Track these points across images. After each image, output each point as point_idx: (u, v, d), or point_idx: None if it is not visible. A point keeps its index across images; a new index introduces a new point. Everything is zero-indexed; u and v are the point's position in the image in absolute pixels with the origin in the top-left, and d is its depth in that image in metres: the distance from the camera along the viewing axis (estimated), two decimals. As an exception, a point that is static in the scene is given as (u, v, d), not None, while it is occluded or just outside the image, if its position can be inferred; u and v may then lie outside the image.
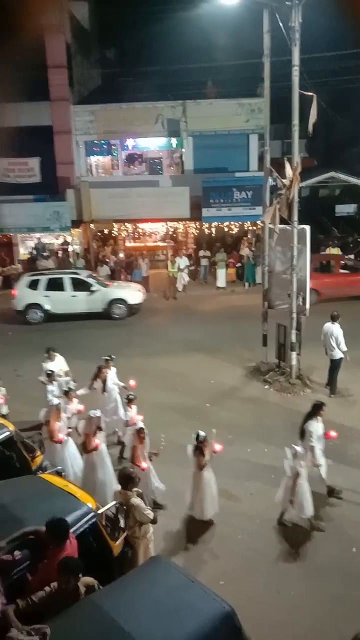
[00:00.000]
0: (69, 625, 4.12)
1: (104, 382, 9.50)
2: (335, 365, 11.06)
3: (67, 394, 8.84)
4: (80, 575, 4.47)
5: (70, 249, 22.23)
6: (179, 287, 20.68)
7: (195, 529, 7.23)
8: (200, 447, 7.11)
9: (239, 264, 21.82)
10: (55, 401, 8.46)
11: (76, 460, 8.14)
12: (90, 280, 17.75)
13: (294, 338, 11.35)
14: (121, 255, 22.92)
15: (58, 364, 10.31)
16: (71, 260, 21.89)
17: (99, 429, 7.79)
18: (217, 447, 7.24)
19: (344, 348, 10.84)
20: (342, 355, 10.89)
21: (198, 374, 12.49)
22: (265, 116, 12.43)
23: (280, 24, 10.58)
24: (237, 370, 12.62)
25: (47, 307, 17.41)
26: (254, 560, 6.68)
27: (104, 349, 13.61)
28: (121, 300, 17.56)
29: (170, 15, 22.78)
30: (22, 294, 17.47)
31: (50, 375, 9.52)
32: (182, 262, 21.30)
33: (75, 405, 8.76)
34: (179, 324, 16.92)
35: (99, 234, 23.54)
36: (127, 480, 6.01)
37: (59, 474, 6.75)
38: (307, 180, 21.93)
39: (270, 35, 11.33)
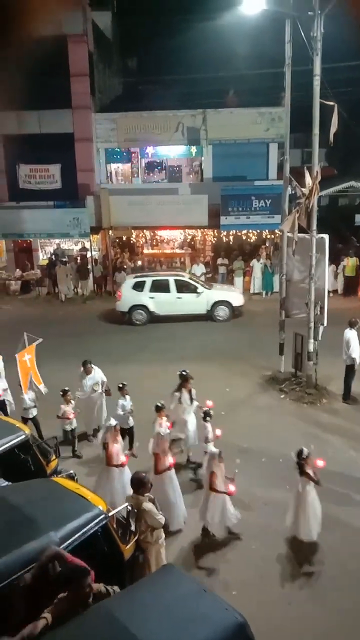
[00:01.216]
0: (81, 632, 4.11)
1: (190, 392, 9.10)
2: (347, 371, 11.05)
3: (159, 410, 8.21)
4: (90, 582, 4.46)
5: (88, 255, 22.39)
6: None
7: (209, 539, 7.17)
8: (302, 464, 6.77)
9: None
10: (113, 422, 7.84)
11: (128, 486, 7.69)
12: (195, 282, 17.92)
13: (311, 347, 11.28)
14: (139, 262, 23.02)
15: (95, 376, 9.86)
16: (89, 266, 22.05)
17: (170, 448, 7.39)
18: (320, 462, 6.89)
19: (353, 355, 10.82)
20: (351, 362, 10.89)
21: (213, 382, 12.43)
22: (286, 125, 12.42)
23: (302, 34, 10.61)
24: (253, 378, 12.56)
25: (152, 308, 17.56)
26: (267, 570, 6.61)
27: (115, 354, 13.77)
28: (225, 302, 17.62)
29: (191, 24, 23.00)
30: (127, 296, 17.64)
31: (122, 389, 8.99)
32: (199, 269, 21.31)
33: (165, 423, 8.13)
34: (194, 330, 16.90)
35: (117, 240, 23.69)
36: (139, 484, 6.01)
37: (71, 477, 6.79)
38: (327, 189, 21.84)
39: (291, 45, 11.37)
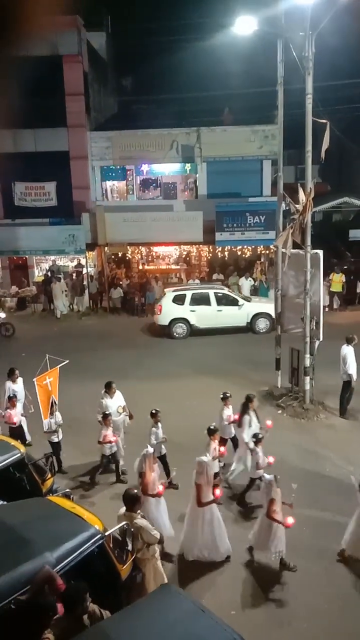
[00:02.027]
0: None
1: (256, 411, 8.76)
2: (344, 387, 11.06)
3: (212, 433, 7.71)
4: (89, 601, 4.41)
5: (84, 271, 22.44)
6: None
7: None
8: None
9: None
10: (150, 449, 7.38)
11: (167, 515, 7.21)
12: (234, 294, 18.11)
13: (307, 362, 11.28)
14: (132, 280, 23.07)
15: (117, 399, 9.46)
16: (85, 283, 22.08)
17: (215, 476, 6.98)
18: None
19: (350, 371, 10.82)
20: (348, 378, 10.89)
21: (210, 397, 12.35)
22: (279, 142, 12.58)
23: (294, 54, 10.79)
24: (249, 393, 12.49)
25: (192, 321, 17.66)
26: (266, 590, 6.52)
27: (112, 370, 13.69)
28: (265, 314, 17.67)
29: (185, 44, 23.41)
30: (168, 309, 17.74)
31: (155, 415, 8.43)
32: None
33: (217, 448, 7.68)
34: (190, 346, 16.89)
35: (113, 256, 23.77)
36: (132, 501, 5.95)
37: (67, 496, 6.71)
38: (321, 205, 22.05)
39: (284, 64, 11.58)
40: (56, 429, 9.20)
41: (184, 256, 23.89)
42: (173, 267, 23.83)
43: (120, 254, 23.84)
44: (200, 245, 22.93)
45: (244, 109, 22.78)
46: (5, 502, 6.24)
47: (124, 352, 16.33)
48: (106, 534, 5.39)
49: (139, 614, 4.47)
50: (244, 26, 10.81)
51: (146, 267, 23.95)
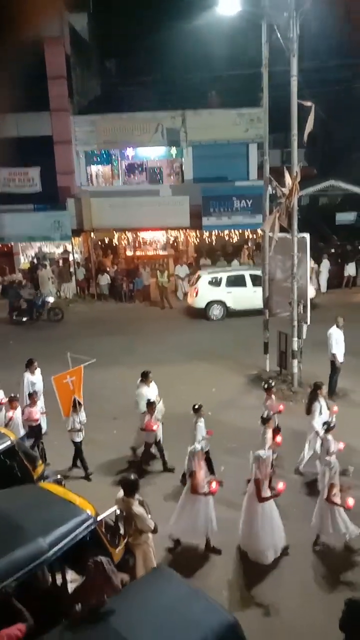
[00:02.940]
0: (72, 636, 4.11)
1: (326, 400, 8.54)
2: (332, 367, 11.19)
3: (266, 421, 7.28)
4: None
5: (71, 257, 22.27)
6: (179, 295, 20.78)
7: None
8: None
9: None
10: (198, 446, 7.04)
11: (212, 513, 6.95)
12: None
13: (295, 346, 11.36)
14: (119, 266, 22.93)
15: (154, 389, 9.20)
16: (72, 269, 21.93)
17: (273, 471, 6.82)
18: None
19: (333, 350, 10.98)
20: (332, 358, 11.04)
21: (200, 382, 12.47)
22: (265, 126, 12.52)
23: (279, 35, 10.68)
24: (238, 378, 12.60)
25: (229, 303, 17.68)
26: (257, 570, 6.63)
27: (103, 355, 13.66)
28: None
29: (170, 26, 23.02)
30: (204, 292, 17.85)
31: (199, 410, 7.99)
32: (182, 270, 21.33)
33: (269, 435, 7.27)
34: (179, 332, 16.91)
35: (99, 243, 23.59)
36: (131, 487, 5.98)
37: (58, 482, 6.75)
38: (307, 188, 22.01)
39: (268, 46, 11.47)
40: (80, 427, 8.87)
41: (171, 242, 23.78)
42: (160, 252, 23.72)
43: (107, 240, 23.66)
44: (187, 231, 22.82)
45: (229, 91, 22.56)
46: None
47: (114, 338, 16.30)
48: (98, 518, 5.43)
49: (133, 597, 4.54)
50: (228, 6, 10.67)
51: (136, 253, 23.80)
